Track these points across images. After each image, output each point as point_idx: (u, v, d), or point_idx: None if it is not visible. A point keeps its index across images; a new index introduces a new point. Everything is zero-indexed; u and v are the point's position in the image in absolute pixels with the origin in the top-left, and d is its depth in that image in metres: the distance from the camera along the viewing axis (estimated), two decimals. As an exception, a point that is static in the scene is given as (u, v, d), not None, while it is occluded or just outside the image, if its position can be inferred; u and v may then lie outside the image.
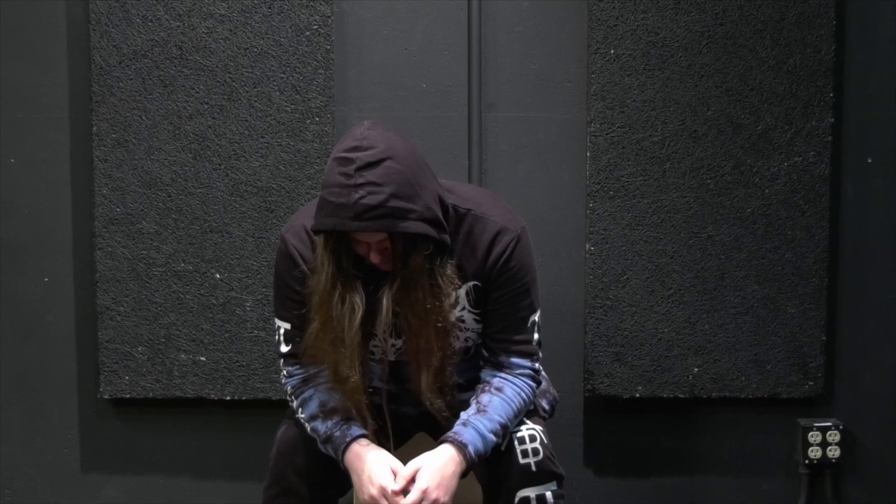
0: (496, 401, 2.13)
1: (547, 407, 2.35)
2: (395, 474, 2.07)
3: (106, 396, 2.90)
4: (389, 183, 1.94)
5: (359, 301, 2.03)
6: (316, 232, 2.02)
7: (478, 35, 2.83)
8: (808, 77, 2.80)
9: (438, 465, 2.06)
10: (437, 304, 2.05)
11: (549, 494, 2.12)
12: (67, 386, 2.97)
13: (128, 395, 2.89)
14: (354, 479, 2.11)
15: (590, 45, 2.81)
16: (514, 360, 2.19)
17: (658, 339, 2.86)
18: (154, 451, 2.98)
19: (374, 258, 2.02)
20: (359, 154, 1.95)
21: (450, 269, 2.06)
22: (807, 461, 2.92)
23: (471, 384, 2.23)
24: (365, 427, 2.15)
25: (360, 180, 1.93)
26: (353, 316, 2.03)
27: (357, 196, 1.92)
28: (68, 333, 2.95)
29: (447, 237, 2.04)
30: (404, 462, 2.10)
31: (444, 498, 2.06)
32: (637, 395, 2.89)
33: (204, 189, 2.83)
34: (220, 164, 2.82)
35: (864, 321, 2.94)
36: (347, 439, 2.11)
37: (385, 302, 2.03)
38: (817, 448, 2.91)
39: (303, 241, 2.14)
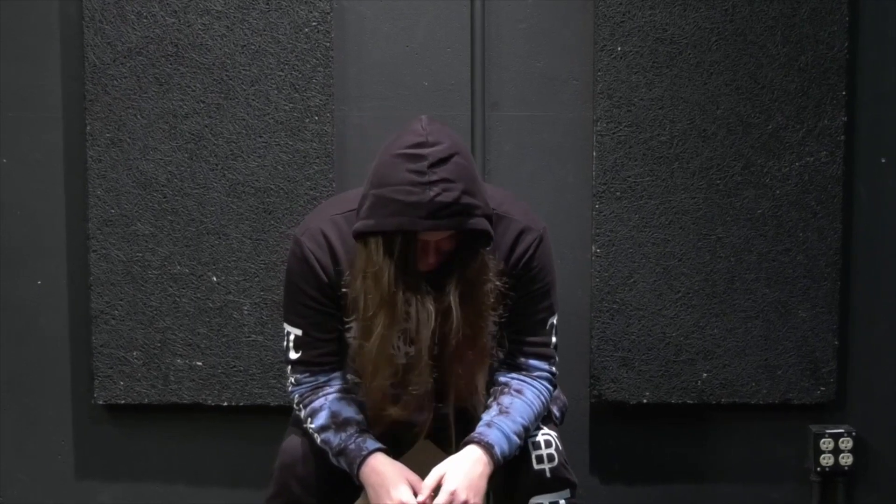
0: (518, 402, 2.11)
1: (558, 413, 2.34)
2: (413, 489, 2.04)
3: (100, 402, 2.89)
4: (461, 179, 1.91)
5: (431, 306, 1.97)
6: (373, 233, 1.95)
7: (481, 32, 2.82)
8: (820, 75, 2.78)
9: (466, 466, 2.03)
10: (492, 302, 2.04)
11: (562, 503, 2.11)
12: (61, 391, 2.96)
13: (122, 401, 2.87)
14: (371, 493, 2.07)
15: (596, 43, 2.79)
16: (533, 362, 2.17)
17: (666, 344, 2.85)
18: (149, 458, 2.97)
19: (433, 258, 1.99)
20: (429, 150, 1.91)
21: (494, 266, 2.04)
22: (818, 469, 2.91)
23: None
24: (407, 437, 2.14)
25: (434, 177, 1.89)
26: (428, 321, 1.98)
27: (433, 193, 1.88)
28: (62, 338, 2.94)
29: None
30: (412, 469, 2.09)
31: (474, 499, 2.03)
32: (644, 401, 2.87)
33: (200, 190, 2.81)
34: (216, 165, 2.80)
35: (877, 325, 2.92)
36: (363, 453, 2.07)
37: (454, 302, 1.98)
38: (829, 455, 2.89)
39: (320, 245, 2.10)
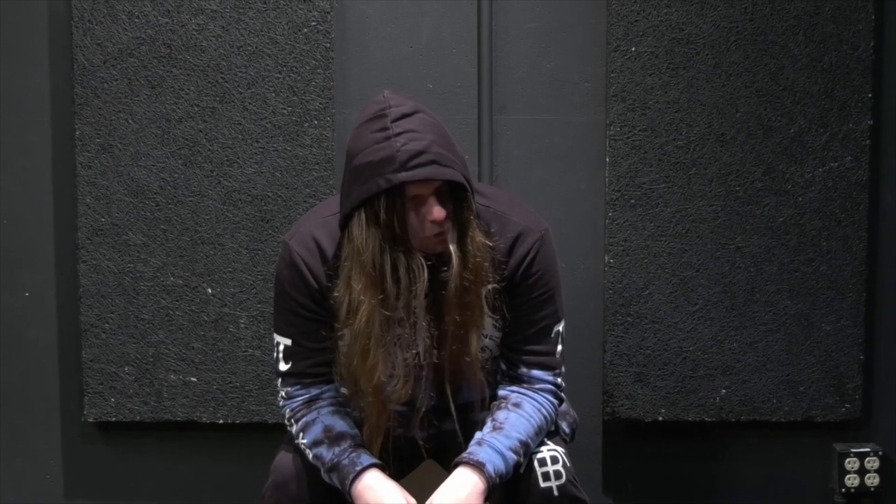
0: (513, 417, 2.07)
1: (567, 430, 2.30)
2: None
3: (90, 419, 2.88)
4: (427, 132, 1.92)
5: (421, 259, 1.94)
6: (354, 209, 1.92)
7: (488, 32, 2.81)
8: (844, 76, 2.77)
9: (454, 490, 1.99)
10: (484, 262, 2.00)
11: None
12: (50, 408, 2.95)
13: (114, 419, 2.87)
14: None
15: (609, 43, 2.78)
16: (535, 372, 2.12)
17: (683, 359, 2.82)
18: (142, 478, 2.96)
19: (438, 213, 1.92)
20: (390, 109, 1.93)
21: (482, 234, 2.01)
22: (843, 489, 2.89)
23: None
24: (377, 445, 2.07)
25: (399, 129, 1.91)
26: (420, 272, 1.94)
27: (399, 144, 1.89)
28: (50, 352, 2.94)
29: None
30: (411, 492, 2.04)
31: None
32: (660, 419, 2.85)
33: (195, 197, 2.80)
34: (211, 171, 2.79)
35: (904, 339, 2.92)
36: (357, 468, 2.03)
37: (453, 248, 1.95)
38: (855, 476, 2.87)
39: (310, 250, 2.07)
